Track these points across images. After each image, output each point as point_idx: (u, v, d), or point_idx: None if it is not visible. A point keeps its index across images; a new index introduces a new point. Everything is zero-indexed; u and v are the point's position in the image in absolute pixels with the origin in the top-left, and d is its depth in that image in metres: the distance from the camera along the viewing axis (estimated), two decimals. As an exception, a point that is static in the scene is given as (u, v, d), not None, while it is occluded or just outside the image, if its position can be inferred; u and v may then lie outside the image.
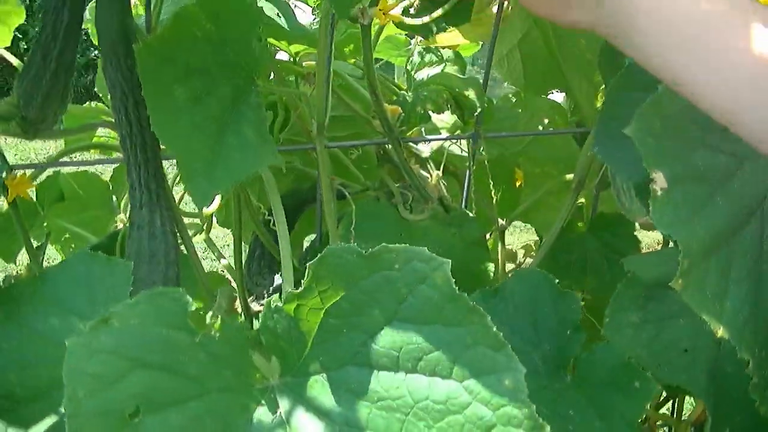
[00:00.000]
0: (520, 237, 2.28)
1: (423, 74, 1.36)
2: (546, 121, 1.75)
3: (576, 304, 1.20)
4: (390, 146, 1.36)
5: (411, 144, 1.43)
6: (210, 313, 0.90)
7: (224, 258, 1.68)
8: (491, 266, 1.42)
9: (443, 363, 0.76)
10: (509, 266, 1.81)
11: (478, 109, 1.36)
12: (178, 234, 1.22)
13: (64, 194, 1.80)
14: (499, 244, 1.62)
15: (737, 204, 0.98)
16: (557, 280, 1.63)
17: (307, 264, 0.81)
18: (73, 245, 1.84)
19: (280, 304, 0.83)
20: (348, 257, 0.80)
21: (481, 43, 1.76)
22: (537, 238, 2.01)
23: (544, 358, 1.19)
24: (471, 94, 1.35)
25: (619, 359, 1.15)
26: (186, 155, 1.02)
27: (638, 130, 0.94)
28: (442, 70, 1.36)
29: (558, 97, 1.82)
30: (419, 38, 1.51)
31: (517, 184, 1.68)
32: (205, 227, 1.67)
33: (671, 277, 1.20)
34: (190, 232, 1.72)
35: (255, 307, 1.58)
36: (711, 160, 0.97)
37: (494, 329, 0.75)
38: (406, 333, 0.78)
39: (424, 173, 1.44)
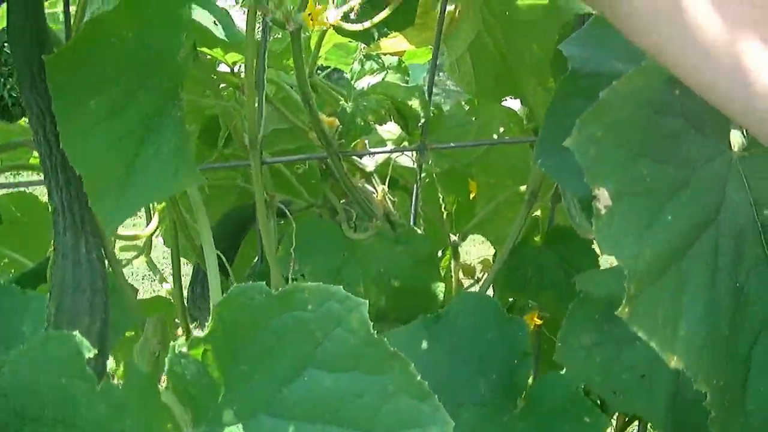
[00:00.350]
0: (480, 250, 2.20)
1: (363, 83, 1.28)
2: (501, 129, 1.68)
3: (523, 331, 1.14)
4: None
5: (354, 158, 1.36)
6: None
7: (167, 282, 1.61)
8: (441, 286, 1.35)
9: (363, 414, 0.69)
10: (467, 282, 1.74)
11: (422, 119, 1.28)
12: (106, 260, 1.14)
13: (1, 217, 1.72)
14: (452, 261, 1.54)
15: (689, 218, 0.90)
16: (512, 298, 1.58)
17: (212, 306, 0.73)
18: (12, 270, 1.76)
19: (185, 349, 0.76)
20: (256, 297, 0.73)
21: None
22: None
23: (492, 388, 1.12)
24: (414, 103, 1.27)
25: (571, 389, 1.08)
26: (95, 174, 0.96)
27: (579, 141, 0.86)
28: (384, 79, 1.28)
29: (515, 104, 1.75)
30: (363, 45, 1.44)
31: (471, 196, 1.61)
32: (145, 249, 1.59)
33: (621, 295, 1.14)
34: (131, 254, 1.65)
35: (199, 333, 1.50)
36: (659, 171, 0.89)
37: (418, 377, 0.67)
38: (321, 381, 0.70)
39: (370, 188, 1.37)
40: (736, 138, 1.06)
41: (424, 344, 1.13)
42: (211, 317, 0.74)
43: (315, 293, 0.71)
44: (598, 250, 1.50)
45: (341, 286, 0.70)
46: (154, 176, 0.98)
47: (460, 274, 1.67)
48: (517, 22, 1.18)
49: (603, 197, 0.85)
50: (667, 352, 0.86)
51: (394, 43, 1.43)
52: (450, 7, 1.41)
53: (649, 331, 0.86)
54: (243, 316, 0.73)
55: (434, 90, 1.39)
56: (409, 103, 1.27)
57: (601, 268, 1.53)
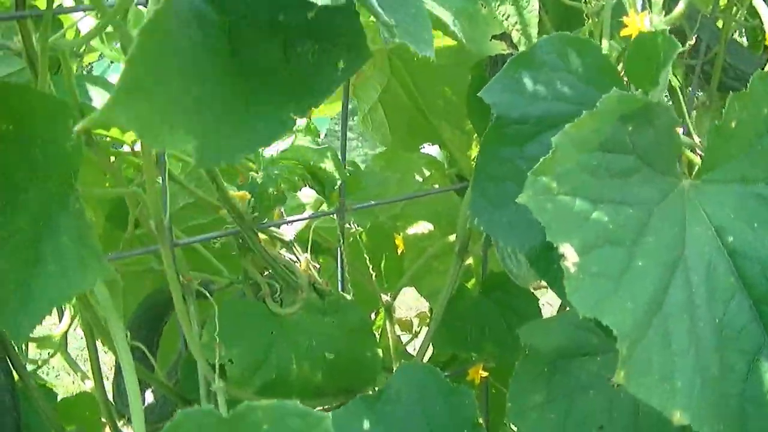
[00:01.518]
0: (410, 298, 2.14)
1: (272, 149, 1.21)
2: (423, 176, 1.62)
3: (470, 400, 1.07)
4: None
5: (272, 228, 1.28)
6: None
7: (89, 379, 1.51)
8: (378, 352, 1.28)
9: None
10: (405, 337, 1.67)
11: (338, 181, 1.22)
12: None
13: None
14: (388, 323, 1.47)
15: (658, 260, 0.85)
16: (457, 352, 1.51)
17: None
18: None
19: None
20: (204, 422, 0.65)
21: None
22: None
23: (445, 466, 1.05)
24: (328, 165, 1.21)
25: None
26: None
27: (533, 196, 0.79)
28: (293, 143, 1.21)
29: (433, 149, 1.70)
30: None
31: (399, 251, 1.54)
32: (61, 346, 1.49)
33: (575, 345, 1.08)
34: (47, 352, 1.55)
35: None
36: (619, 216, 0.84)
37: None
38: None
39: (292, 257, 1.29)
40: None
41: (366, 424, 1.06)
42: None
43: (270, 411, 0.63)
44: (537, 294, 1.45)
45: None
46: (58, 276, 0.89)
47: (397, 331, 1.60)
48: (427, 66, 1.12)
49: (569, 254, 0.78)
50: (670, 409, 0.80)
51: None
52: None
53: (648, 392, 0.80)
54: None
55: (350, 135, 1.33)
56: (323, 165, 1.21)
57: (542, 311, 1.48)
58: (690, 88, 1.62)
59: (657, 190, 0.90)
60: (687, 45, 1.51)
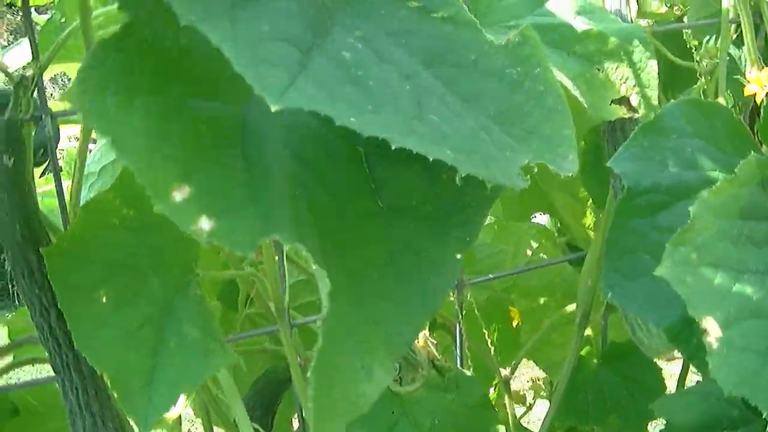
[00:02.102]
0: (521, 370, 2.10)
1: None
2: (534, 246, 1.59)
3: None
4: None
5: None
6: None
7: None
8: (501, 429, 1.24)
9: None
10: (519, 410, 1.63)
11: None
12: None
13: (18, 408, 1.62)
14: (506, 398, 1.44)
15: None
16: (578, 424, 1.47)
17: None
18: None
19: None
20: None
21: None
22: (541, 371, 1.83)
23: None
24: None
25: None
26: (117, 372, 0.87)
27: (672, 267, 0.77)
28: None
29: (541, 219, 1.67)
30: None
31: (514, 323, 1.51)
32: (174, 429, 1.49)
33: (715, 418, 1.03)
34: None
35: None
36: (764, 286, 0.80)
37: None
38: None
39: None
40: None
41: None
42: None
43: None
44: (661, 365, 1.41)
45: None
46: (183, 365, 0.89)
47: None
48: None
49: (712, 328, 0.75)
50: None
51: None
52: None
53: None
54: None
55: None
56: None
57: (666, 383, 1.43)
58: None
59: None
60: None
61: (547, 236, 1.60)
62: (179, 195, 0.62)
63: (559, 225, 1.62)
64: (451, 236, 0.77)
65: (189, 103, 0.67)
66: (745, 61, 1.36)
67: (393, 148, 0.57)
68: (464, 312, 1.34)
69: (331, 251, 0.74)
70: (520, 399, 1.68)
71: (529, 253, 1.61)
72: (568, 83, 1.03)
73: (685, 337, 0.89)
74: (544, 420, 1.37)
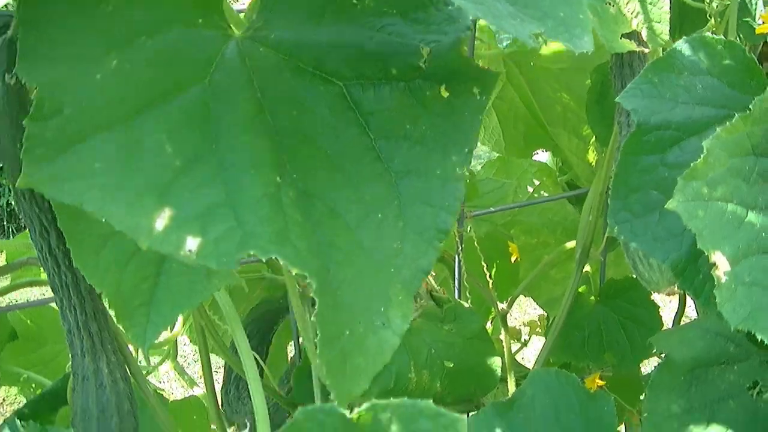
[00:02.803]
0: (518, 307, 2.10)
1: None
2: (537, 183, 1.59)
3: (610, 407, 1.02)
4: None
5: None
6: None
7: (198, 386, 1.51)
8: (497, 360, 1.25)
9: None
10: (514, 346, 1.64)
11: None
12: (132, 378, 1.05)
13: (17, 332, 1.63)
14: (503, 331, 1.44)
15: None
16: (574, 361, 1.47)
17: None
18: (32, 385, 1.66)
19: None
20: (327, 421, 0.61)
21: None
22: (537, 307, 1.83)
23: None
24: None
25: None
26: (116, 290, 0.86)
27: (684, 201, 0.76)
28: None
29: (542, 156, 1.66)
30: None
31: (513, 258, 1.51)
32: (170, 353, 1.49)
33: (713, 353, 1.04)
34: (157, 359, 1.55)
35: (240, 441, 1.40)
36: None
37: None
38: None
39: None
40: None
41: (498, 432, 1.03)
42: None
43: (399, 411, 0.60)
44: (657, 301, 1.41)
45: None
46: (184, 283, 0.88)
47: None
48: (544, 71, 1.09)
49: (721, 263, 0.75)
50: None
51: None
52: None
53: None
54: (313, 447, 0.62)
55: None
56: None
57: (663, 319, 1.43)
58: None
59: None
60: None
61: (548, 174, 1.60)
62: (160, 223, 0.63)
63: (560, 164, 1.62)
64: (450, 150, 0.77)
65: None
66: (755, 3, 1.34)
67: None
68: (463, 245, 1.34)
69: (330, 211, 0.74)
70: (516, 334, 1.68)
71: (530, 190, 1.61)
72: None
73: (691, 273, 0.88)
74: (539, 354, 1.37)
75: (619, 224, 0.94)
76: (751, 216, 0.79)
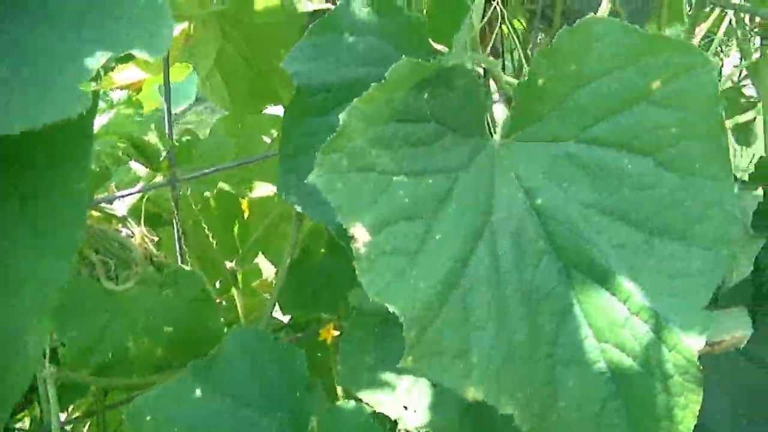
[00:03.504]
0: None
1: (95, 123, 1.17)
2: (271, 139, 1.59)
3: (301, 360, 1.06)
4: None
5: (104, 204, 1.25)
6: None
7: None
8: (220, 321, 1.26)
9: None
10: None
11: (163, 153, 1.19)
12: None
13: None
14: (234, 290, 1.45)
15: (459, 231, 0.83)
16: (305, 314, 1.50)
17: None
18: None
19: None
20: None
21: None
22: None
23: (281, 428, 1.04)
24: (151, 137, 1.18)
25: (360, 418, 1.02)
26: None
27: (324, 174, 0.77)
28: (114, 116, 1.18)
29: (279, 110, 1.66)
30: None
31: (245, 216, 1.52)
32: None
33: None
34: None
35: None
36: (417, 188, 0.81)
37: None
38: None
39: (128, 232, 1.26)
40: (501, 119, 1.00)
41: (198, 392, 1.05)
42: None
43: None
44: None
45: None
46: None
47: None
48: (258, 27, 1.09)
49: (360, 234, 0.77)
50: (463, 387, 0.79)
51: (127, 75, 1.33)
52: (181, 26, 1.32)
53: (440, 373, 0.79)
54: None
55: (200, 107, 1.30)
56: (146, 138, 1.18)
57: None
58: (532, 32, 1.60)
59: (464, 155, 0.88)
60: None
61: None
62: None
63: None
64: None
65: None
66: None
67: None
68: (196, 206, 1.34)
69: None
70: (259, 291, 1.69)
71: (269, 141, 1.61)
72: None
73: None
74: (264, 312, 1.38)
75: (287, 189, 0.95)
76: (395, 182, 0.80)
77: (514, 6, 1.66)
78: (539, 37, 1.64)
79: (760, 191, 1.11)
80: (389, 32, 0.97)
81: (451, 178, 0.85)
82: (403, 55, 0.82)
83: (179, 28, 1.32)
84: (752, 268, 1.02)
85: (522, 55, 1.62)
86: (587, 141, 0.88)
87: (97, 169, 1.15)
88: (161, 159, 1.21)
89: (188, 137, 1.35)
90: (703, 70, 0.84)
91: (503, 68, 1.65)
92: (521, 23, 1.74)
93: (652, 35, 0.84)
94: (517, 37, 1.70)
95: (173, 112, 1.22)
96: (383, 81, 0.80)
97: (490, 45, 1.51)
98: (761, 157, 1.12)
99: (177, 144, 1.26)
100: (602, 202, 0.86)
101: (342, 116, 0.78)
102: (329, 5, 1.09)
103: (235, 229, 1.56)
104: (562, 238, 0.87)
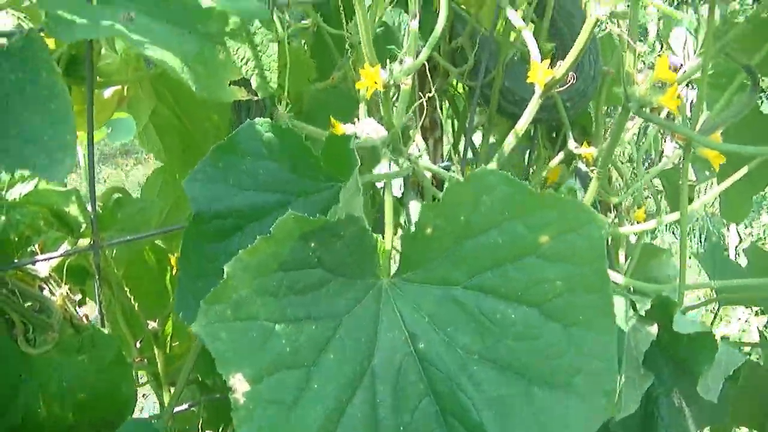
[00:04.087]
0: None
1: (15, 193, 1.18)
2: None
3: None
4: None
5: (28, 266, 1.26)
6: None
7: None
8: (131, 387, 1.28)
9: None
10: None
11: (83, 224, 1.20)
12: None
13: None
14: (156, 350, 1.46)
15: (339, 379, 0.85)
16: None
17: None
18: None
19: None
20: None
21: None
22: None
23: None
24: (72, 208, 1.19)
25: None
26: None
27: (207, 325, 0.78)
28: (36, 186, 1.19)
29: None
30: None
31: (174, 272, 1.53)
32: None
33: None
34: None
35: None
36: (300, 335, 0.84)
37: None
38: None
39: (50, 294, 1.28)
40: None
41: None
42: None
43: None
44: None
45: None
46: None
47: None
48: (189, 92, 1.09)
49: (239, 385, 0.78)
50: None
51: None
52: (114, 88, 1.34)
53: None
54: None
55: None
56: (66, 209, 1.19)
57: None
58: (470, 107, 1.60)
59: (351, 299, 0.90)
60: (466, 66, 1.52)
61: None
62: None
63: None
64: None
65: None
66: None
67: None
68: (120, 266, 1.35)
69: None
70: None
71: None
72: (177, 63, 1.00)
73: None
74: (183, 370, 1.36)
75: (183, 310, 0.96)
76: (277, 331, 0.82)
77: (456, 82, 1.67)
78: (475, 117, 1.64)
79: (655, 328, 1.14)
80: (289, 158, 0.99)
81: (335, 323, 0.88)
82: (301, 185, 0.84)
83: (112, 90, 1.34)
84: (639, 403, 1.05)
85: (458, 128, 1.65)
86: (474, 288, 0.90)
87: (15, 239, 1.16)
88: (82, 229, 1.22)
89: (117, 195, 1.36)
90: (592, 227, 0.87)
91: (441, 136, 1.66)
92: (462, 97, 1.76)
93: (541, 193, 0.87)
94: (456, 110, 1.72)
95: (115, 144, 1.23)
96: (269, 235, 0.82)
97: (425, 116, 1.53)
98: (658, 295, 1.15)
99: (101, 209, 1.27)
100: (485, 350, 0.89)
101: (226, 268, 0.80)
102: (254, 96, 1.09)
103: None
104: (440, 385, 0.89)
